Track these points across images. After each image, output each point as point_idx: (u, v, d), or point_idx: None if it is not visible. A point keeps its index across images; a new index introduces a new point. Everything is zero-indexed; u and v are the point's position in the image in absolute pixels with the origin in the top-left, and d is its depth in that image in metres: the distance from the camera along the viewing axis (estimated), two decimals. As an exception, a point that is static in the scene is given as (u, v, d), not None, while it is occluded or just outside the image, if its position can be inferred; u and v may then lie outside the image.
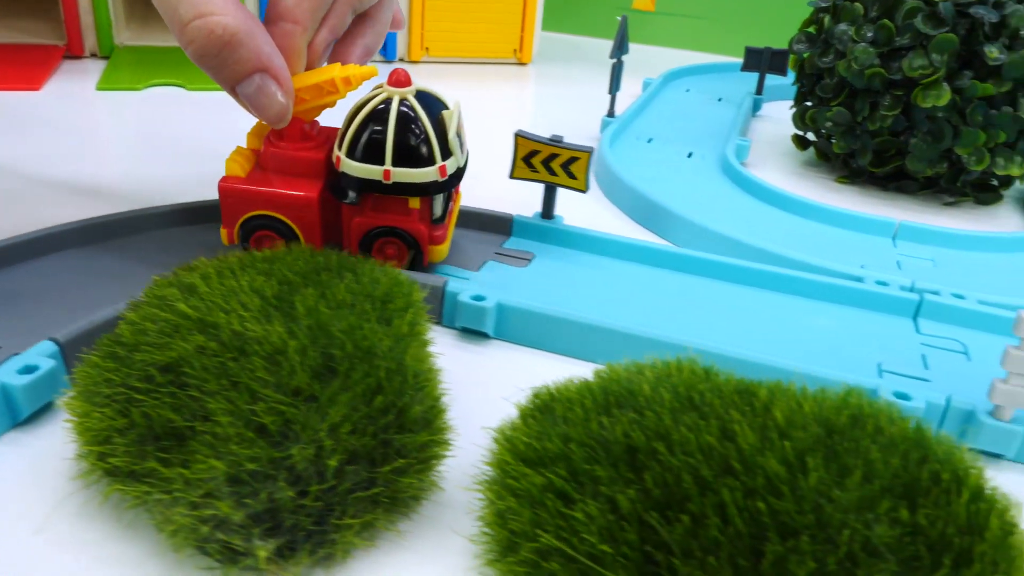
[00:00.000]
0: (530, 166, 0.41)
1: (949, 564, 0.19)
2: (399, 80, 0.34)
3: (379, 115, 0.34)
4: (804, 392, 0.24)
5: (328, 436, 0.22)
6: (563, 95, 0.79)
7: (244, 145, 0.38)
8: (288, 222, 0.36)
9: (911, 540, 0.20)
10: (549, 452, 0.22)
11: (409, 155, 0.34)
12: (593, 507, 0.20)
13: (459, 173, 0.36)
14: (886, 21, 0.53)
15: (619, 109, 0.67)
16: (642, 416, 0.23)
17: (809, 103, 0.61)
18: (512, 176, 0.42)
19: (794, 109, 0.63)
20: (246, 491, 0.21)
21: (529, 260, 0.41)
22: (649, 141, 0.63)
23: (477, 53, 0.88)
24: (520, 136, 0.41)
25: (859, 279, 0.40)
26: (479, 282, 0.38)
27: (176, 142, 0.58)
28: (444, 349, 0.34)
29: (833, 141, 0.58)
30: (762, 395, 0.23)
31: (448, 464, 0.26)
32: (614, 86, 0.64)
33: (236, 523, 0.21)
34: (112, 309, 0.31)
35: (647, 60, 0.95)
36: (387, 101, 0.34)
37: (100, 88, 0.68)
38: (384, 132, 0.34)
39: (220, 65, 0.31)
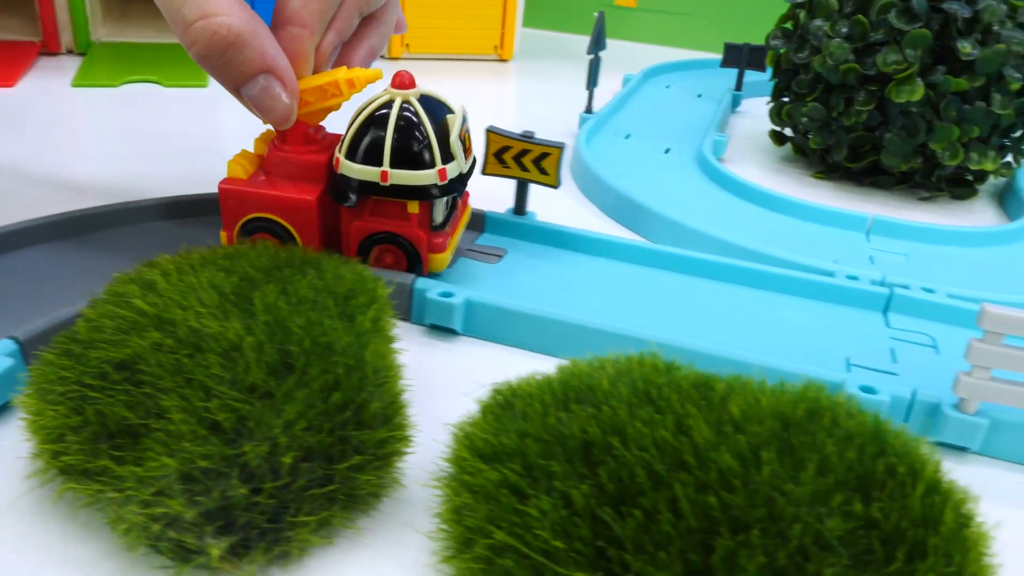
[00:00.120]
0: (501, 162, 0.41)
1: (902, 557, 0.19)
2: (403, 82, 0.34)
3: (379, 117, 0.34)
4: (763, 386, 0.24)
5: (283, 433, 0.22)
6: (544, 92, 0.79)
7: (235, 146, 0.37)
8: (287, 225, 0.35)
9: (864, 534, 0.20)
10: (506, 448, 0.22)
11: (408, 157, 0.34)
12: (547, 502, 0.20)
13: (461, 179, 0.36)
14: (860, 17, 0.53)
15: (598, 105, 0.67)
16: (599, 411, 0.22)
17: (786, 99, 0.61)
18: (484, 172, 0.42)
19: (771, 105, 0.63)
20: (198, 489, 0.21)
21: (501, 256, 0.41)
22: (627, 137, 0.63)
23: (458, 50, 0.88)
24: (491, 132, 0.41)
25: (830, 274, 0.40)
26: (449, 278, 0.38)
27: (151, 138, 0.57)
28: (411, 346, 0.34)
29: (809, 136, 0.59)
30: (720, 389, 0.23)
31: (409, 461, 0.26)
32: (591, 82, 0.64)
33: (188, 521, 0.21)
34: (75, 307, 0.31)
35: (629, 56, 0.95)
36: (389, 103, 0.34)
37: (75, 85, 0.68)
38: (383, 133, 0.33)
39: (224, 66, 0.31)
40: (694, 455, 0.21)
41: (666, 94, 0.77)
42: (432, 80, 0.80)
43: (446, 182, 0.34)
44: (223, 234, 0.36)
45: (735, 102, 0.76)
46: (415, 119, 0.34)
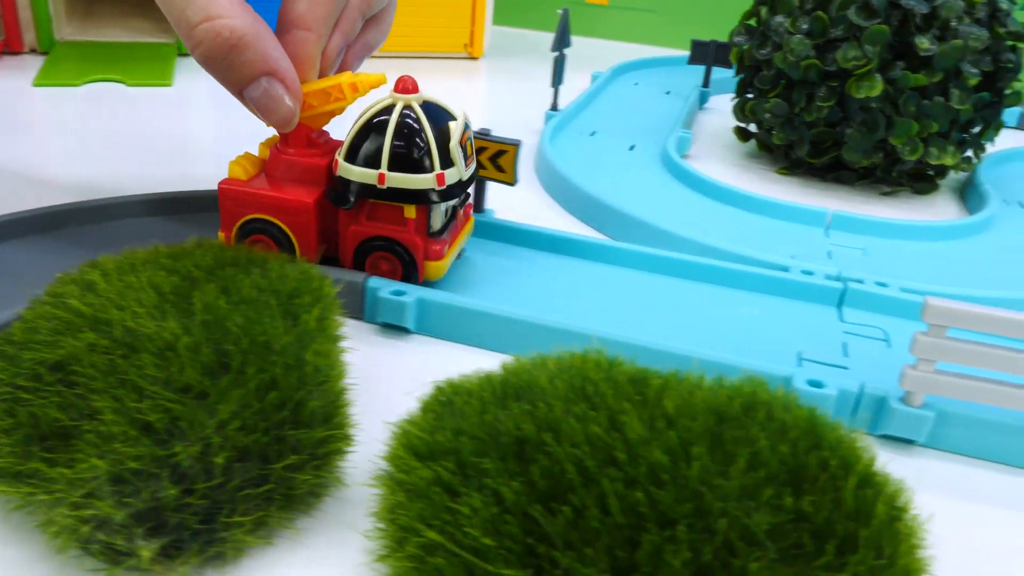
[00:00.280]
0: (458, 159, 0.41)
1: (832, 551, 0.19)
2: (406, 87, 0.34)
3: (380, 121, 0.34)
4: (700, 381, 0.24)
5: (216, 433, 0.22)
6: (514, 89, 0.79)
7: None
8: (284, 227, 0.35)
9: (794, 527, 0.20)
10: (440, 445, 0.22)
11: (405, 160, 0.33)
12: (478, 500, 0.20)
13: (460, 185, 0.35)
14: (820, 13, 0.53)
15: (565, 103, 0.67)
16: (535, 408, 0.22)
17: (749, 95, 0.61)
18: (441, 169, 0.42)
19: (735, 101, 0.63)
20: (128, 490, 0.21)
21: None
22: (592, 135, 0.63)
23: (427, 48, 0.87)
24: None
25: (786, 269, 0.40)
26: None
27: (114, 138, 0.57)
28: (360, 344, 0.33)
29: (773, 133, 0.59)
30: (655, 385, 0.23)
31: (352, 460, 0.26)
32: (557, 80, 0.64)
33: (117, 523, 0.21)
34: (13, 309, 0.30)
35: (599, 54, 0.95)
36: (391, 107, 0.34)
37: (37, 84, 0.67)
38: (382, 136, 0.33)
39: (227, 68, 0.31)
40: (625, 451, 0.20)
41: (634, 91, 0.77)
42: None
43: (444, 187, 0.34)
44: (221, 235, 0.36)
45: (703, 99, 0.76)
46: (415, 124, 0.33)
